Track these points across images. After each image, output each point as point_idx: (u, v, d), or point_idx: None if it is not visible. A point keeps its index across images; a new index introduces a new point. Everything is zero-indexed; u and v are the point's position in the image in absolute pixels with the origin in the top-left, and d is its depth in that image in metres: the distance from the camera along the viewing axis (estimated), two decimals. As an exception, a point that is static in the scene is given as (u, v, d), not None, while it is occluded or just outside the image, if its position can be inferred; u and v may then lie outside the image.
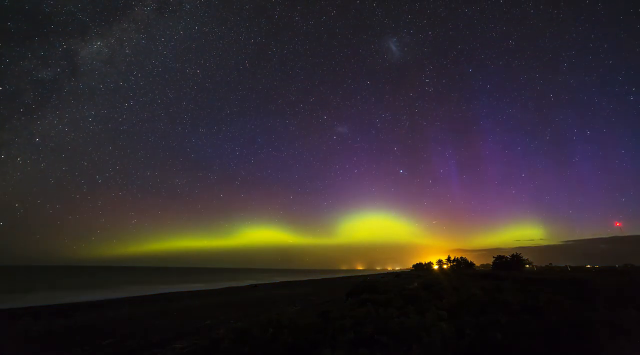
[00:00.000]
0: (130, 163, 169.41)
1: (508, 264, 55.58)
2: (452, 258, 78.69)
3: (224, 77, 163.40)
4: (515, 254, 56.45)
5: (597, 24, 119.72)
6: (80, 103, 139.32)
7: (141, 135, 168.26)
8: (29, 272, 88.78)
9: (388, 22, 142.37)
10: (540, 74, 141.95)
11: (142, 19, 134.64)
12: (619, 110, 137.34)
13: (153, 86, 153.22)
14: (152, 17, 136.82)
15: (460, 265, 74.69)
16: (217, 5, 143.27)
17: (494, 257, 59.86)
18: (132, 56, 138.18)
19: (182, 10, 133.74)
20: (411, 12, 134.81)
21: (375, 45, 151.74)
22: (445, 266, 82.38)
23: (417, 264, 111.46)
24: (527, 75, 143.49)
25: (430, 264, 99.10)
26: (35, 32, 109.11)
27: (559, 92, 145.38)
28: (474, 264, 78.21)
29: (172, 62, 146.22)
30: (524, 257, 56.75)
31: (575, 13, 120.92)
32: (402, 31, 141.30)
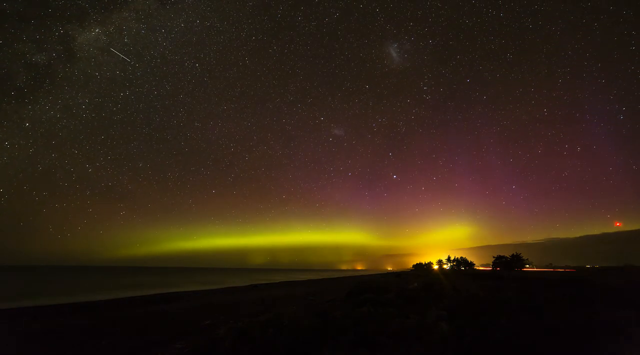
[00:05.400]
0: (122, 154, 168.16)
1: (508, 264, 55.53)
2: (452, 258, 78.57)
3: (222, 72, 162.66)
4: (515, 254, 56.38)
5: (593, 44, 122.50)
6: (74, 90, 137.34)
7: (135, 126, 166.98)
8: (19, 273, 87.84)
9: (390, 28, 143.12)
10: (535, 89, 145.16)
11: (143, 9, 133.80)
12: (609, 129, 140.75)
13: (150, 77, 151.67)
14: (154, 7, 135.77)
15: (460, 265, 74.60)
16: (220, 0, 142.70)
17: (493, 257, 59.79)
18: (131, 46, 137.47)
19: (184, 3, 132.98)
20: (413, 20, 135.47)
21: (375, 50, 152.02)
22: (445, 266, 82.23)
23: (417, 264, 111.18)
24: (522, 89, 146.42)
25: (430, 264, 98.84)
26: (32, 15, 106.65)
27: (553, 108, 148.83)
28: (474, 264, 78.11)
29: (171, 54, 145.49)
30: (524, 257, 56.68)
31: (572, 32, 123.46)
32: (403, 38, 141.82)
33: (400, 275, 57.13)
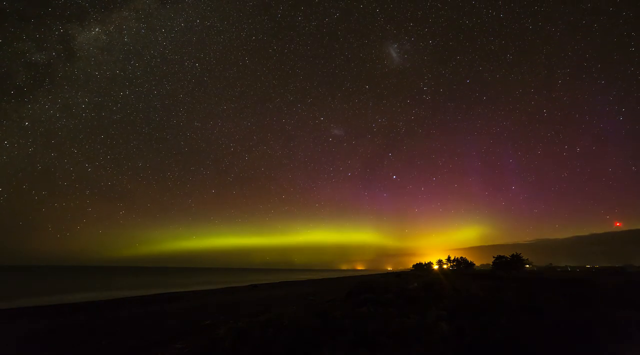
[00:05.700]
0: (122, 153, 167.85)
1: (508, 264, 55.48)
2: (452, 258, 78.53)
3: (222, 72, 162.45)
4: (515, 254, 56.35)
5: (592, 45, 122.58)
6: (74, 89, 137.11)
7: (135, 125, 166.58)
8: (18, 273, 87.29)
9: (390, 28, 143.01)
10: (535, 90, 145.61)
11: (144, 8, 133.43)
12: (608, 130, 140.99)
13: (150, 77, 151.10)
14: (154, 7, 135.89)
15: (460, 265, 74.56)
16: (220, 0, 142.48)
17: (494, 257, 59.78)
18: (131, 45, 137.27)
19: (184, 2, 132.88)
20: (413, 20, 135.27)
21: (375, 50, 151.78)
22: (445, 266, 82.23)
23: (417, 264, 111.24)
24: (522, 89, 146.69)
25: (430, 264, 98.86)
26: (32, 14, 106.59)
27: (553, 109, 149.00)
28: (474, 264, 78.09)
29: (171, 54, 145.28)
30: (524, 257, 56.65)
31: (572, 33, 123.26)
32: (403, 38, 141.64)
33: (400, 275, 57.08)
